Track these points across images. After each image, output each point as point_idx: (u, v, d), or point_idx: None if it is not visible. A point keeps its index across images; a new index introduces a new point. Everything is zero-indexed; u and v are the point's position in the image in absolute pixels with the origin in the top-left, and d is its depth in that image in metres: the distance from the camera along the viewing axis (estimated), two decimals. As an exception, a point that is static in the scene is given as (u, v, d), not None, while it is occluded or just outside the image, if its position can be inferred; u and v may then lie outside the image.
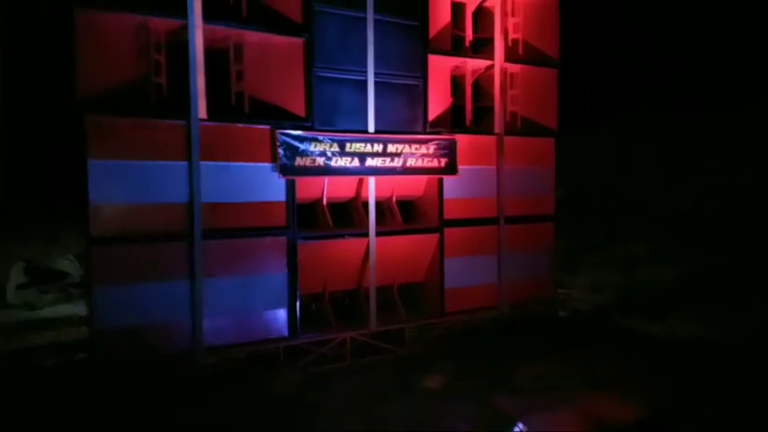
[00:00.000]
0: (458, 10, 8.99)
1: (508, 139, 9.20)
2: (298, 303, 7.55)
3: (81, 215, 6.40)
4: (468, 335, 8.75)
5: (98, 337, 6.41)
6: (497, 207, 9.16)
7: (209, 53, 6.98)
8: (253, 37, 7.25)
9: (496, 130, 9.14)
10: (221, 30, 7.03)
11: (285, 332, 7.48)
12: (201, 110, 6.78)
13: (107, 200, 6.34)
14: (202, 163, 6.82)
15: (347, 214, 8.49)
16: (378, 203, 8.28)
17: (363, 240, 8.09)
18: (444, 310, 8.66)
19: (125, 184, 6.41)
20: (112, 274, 6.39)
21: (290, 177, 7.45)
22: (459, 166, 8.62)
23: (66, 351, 7.93)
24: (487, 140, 9.11)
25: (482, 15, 9.28)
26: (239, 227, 7.19)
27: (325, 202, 8.20)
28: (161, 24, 6.72)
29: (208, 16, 6.78)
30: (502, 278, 9.22)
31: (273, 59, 7.45)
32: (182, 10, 6.64)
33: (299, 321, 7.55)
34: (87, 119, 6.18)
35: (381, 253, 8.17)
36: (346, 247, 8.08)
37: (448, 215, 8.66)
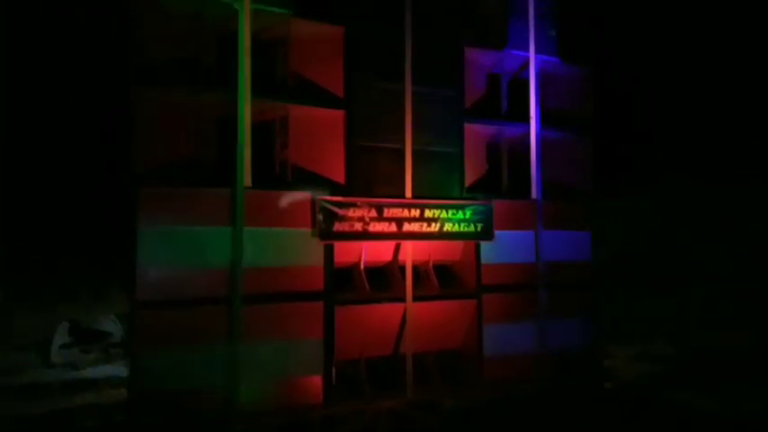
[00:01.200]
0: (493, 80, 9.28)
1: (545, 204, 9.18)
2: (333, 370, 7.48)
3: (127, 278, 6.64)
4: (508, 406, 8.39)
5: (137, 401, 6.47)
6: (536, 272, 9.02)
7: (256, 123, 7.35)
8: (297, 110, 7.63)
9: (533, 195, 9.15)
10: (268, 104, 7.43)
11: (320, 399, 7.37)
12: (247, 178, 7.08)
13: (154, 265, 6.57)
14: (246, 229, 7.03)
15: (384, 278, 8.51)
16: (415, 267, 8.29)
17: (400, 306, 8.05)
18: (483, 379, 8.39)
19: (172, 250, 6.65)
20: (155, 339, 6.51)
21: (329, 242, 7.58)
22: (496, 231, 8.60)
23: (106, 413, 7.99)
24: (524, 205, 9.11)
25: (517, 85, 9.53)
26: (278, 291, 7.27)
27: (362, 266, 8.25)
28: (212, 100, 7.16)
29: (256, 92, 7.19)
30: (543, 346, 8.92)
31: (316, 130, 7.79)
32: (232, 87, 7.08)
33: (334, 389, 7.44)
34: (140, 190, 6.52)
35: (418, 318, 8.09)
36: (383, 312, 8.04)
37: (485, 280, 8.56)
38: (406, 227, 8.03)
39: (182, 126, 7.11)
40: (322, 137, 7.81)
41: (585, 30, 10.35)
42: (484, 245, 8.58)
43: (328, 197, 7.57)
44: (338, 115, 7.82)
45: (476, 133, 8.87)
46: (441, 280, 8.68)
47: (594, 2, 11.09)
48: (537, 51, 9.26)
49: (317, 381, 7.40)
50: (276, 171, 7.64)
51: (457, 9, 8.77)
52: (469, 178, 8.75)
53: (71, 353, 10.73)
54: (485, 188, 8.93)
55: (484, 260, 8.59)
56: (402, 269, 8.19)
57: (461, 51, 8.65)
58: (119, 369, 10.03)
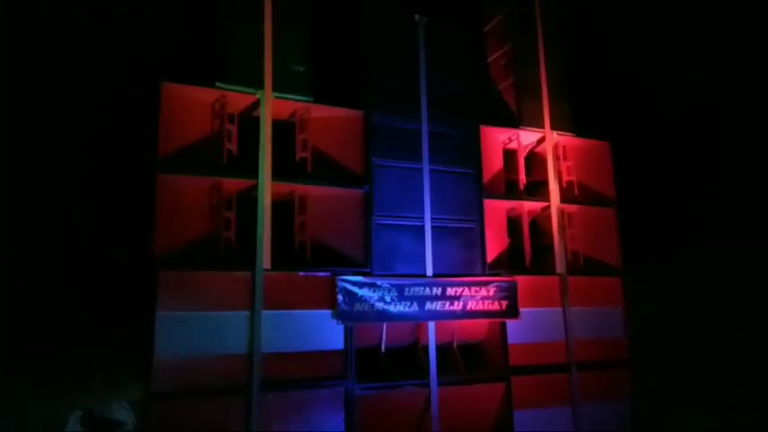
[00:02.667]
0: (510, 156, 9.34)
1: (571, 279, 8.91)
2: (356, 463, 7.00)
3: (142, 364, 6.45)
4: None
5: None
6: (566, 352, 8.59)
7: (275, 203, 7.38)
8: (316, 190, 7.69)
9: (558, 270, 8.90)
10: (288, 186, 7.51)
11: (342, 495, 6.86)
12: (266, 260, 7.01)
13: (171, 352, 6.38)
14: (264, 312, 6.87)
15: (407, 360, 8.15)
16: (439, 348, 7.95)
17: (424, 391, 7.65)
18: (517, 472, 7.77)
19: (189, 336, 6.49)
20: (170, 430, 6.20)
21: (349, 324, 7.36)
22: (522, 309, 8.31)
23: None
24: (549, 281, 8.85)
25: (534, 159, 9.58)
26: (297, 377, 6.99)
27: (383, 349, 7.96)
28: (233, 184, 7.26)
29: (276, 175, 7.29)
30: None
31: (335, 209, 7.81)
32: (253, 171, 7.20)
33: (357, 485, 6.93)
34: (160, 274, 6.47)
35: (444, 404, 7.64)
36: (406, 399, 7.63)
37: (514, 361, 8.16)
38: (428, 306, 7.81)
39: (202, 208, 7.18)
40: (341, 216, 7.82)
41: (600, 103, 10.51)
42: (510, 323, 8.26)
43: (348, 277, 7.45)
44: (357, 194, 7.86)
45: (495, 208, 8.81)
46: (466, 361, 8.30)
47: (607, 76, 11.35)
48: (552, 127, 9.38)
49: (338, 475, 6.92)
50: (296, 251, 7.58)
51: (471, 88, 8.98)
52: (491, 253, 8.58)
53: (82, 444, 10.27)
54: (507, 264, 8.74)
55: (511, 339, 8.24)
56: (425, 350, 7.88)
57: (477, 130, 8.78)
58: (129, 461, 9.53)
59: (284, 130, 7.79)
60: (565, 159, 9.50)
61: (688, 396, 12.25)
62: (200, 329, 6.58)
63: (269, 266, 7.01)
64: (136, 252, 7.59)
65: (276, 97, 7.48)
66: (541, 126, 9.34)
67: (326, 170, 7.81)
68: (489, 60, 10.05)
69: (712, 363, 13.06)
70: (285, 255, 7.40)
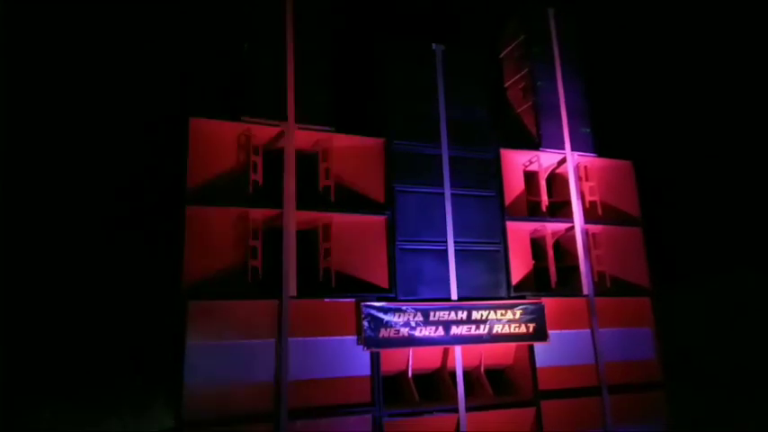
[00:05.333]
0: (531, 178, 9.35)
1: (599, 301, 8.77)
2: (385, 492, 6.92)
3: (172, 393, 6.53)
4: None
5: None
6: (597, 375, 8.41)
7: (299, 232, 7.50)
8: (339, 217, 7.80)
9: (585, 291, 8.79)
10: (312, 214, 7.64)
11: None
12: (292, 288, 7.11)
13: (201, 381, 6.46)
14: (290, 339, 6.94)
15: (434, 386, 8.10)
16: (466, 374, 7.88)
17: (452, 416, 7.56)
18: (550, 501, 7.57)
19: (218, 366, 6.57)
20: (200, 462, 6.25)
21: (375, 350, 7.36)
22: (550, 331, 8.20)
23: None
24: (576, 302, 8.73)
25: (556, 180, 9.56)
26: (324, 405, 6.99)
27: (410, 374, 7.92)
28: (259, 214, 7.41)
29: (300, 203, 7.43)
30: (613, 459, 8.08)
31: (358, 236, 7.88)
32: (278, 200, 7.35)
33: None
34: (190, 305, 6.60)
35: (473, 430, 7.53)
36: (434, 425, 7.53)
37: (543, 385, 8.02)
38: (454, 330, 7.77)
39: (230, 238, 7.31)
40: (365, 242, 7.88)
41: (621, 123, 10.48)
42: (538, 346, 8.15)
43: (373, 303, 7.48)
44: (380, 221, 7.93)
45: (519, 230, 8.78)
46: (494, 387, 8.19)
47: (625, 94, 11.31)
48: (572, 148, 9.37)
49: (367, 505, 6.84)
50: (321, 278, 7.66)
51: (490, 112, 9.04)
52: (516, 276, 8.52)
53: (113, 477, 10.32)
54: (533, 286, 8.66)
55: (539, 363, 8.11)
56: (452, 376, 7.81)
57: (497, 153, 8.82)
58: (159, 493, 9.54)
59: (308, 160, 7.97)
60: (587, 180, 9.47)
61: (727, 419, 11.77)
62: (228, 358, 6.66)
63: (295, 294, 7.11)
64: (165, 283, 7.74)
65: (299, 128, 7.68)
66: (562, 147, 9.34)
67: (349, 197, 7.92)
68: (507, 84, 10.15)
69: (753, 384, 12.55)
70: (310, 282, 7.49)
